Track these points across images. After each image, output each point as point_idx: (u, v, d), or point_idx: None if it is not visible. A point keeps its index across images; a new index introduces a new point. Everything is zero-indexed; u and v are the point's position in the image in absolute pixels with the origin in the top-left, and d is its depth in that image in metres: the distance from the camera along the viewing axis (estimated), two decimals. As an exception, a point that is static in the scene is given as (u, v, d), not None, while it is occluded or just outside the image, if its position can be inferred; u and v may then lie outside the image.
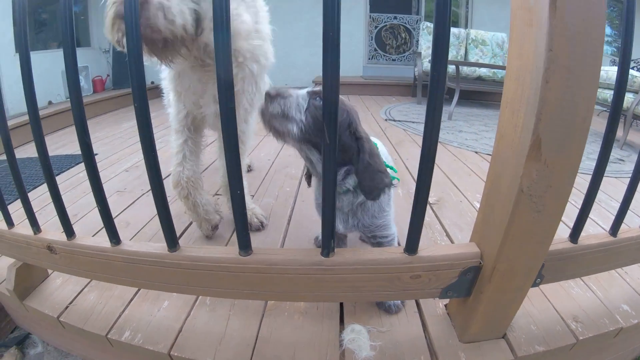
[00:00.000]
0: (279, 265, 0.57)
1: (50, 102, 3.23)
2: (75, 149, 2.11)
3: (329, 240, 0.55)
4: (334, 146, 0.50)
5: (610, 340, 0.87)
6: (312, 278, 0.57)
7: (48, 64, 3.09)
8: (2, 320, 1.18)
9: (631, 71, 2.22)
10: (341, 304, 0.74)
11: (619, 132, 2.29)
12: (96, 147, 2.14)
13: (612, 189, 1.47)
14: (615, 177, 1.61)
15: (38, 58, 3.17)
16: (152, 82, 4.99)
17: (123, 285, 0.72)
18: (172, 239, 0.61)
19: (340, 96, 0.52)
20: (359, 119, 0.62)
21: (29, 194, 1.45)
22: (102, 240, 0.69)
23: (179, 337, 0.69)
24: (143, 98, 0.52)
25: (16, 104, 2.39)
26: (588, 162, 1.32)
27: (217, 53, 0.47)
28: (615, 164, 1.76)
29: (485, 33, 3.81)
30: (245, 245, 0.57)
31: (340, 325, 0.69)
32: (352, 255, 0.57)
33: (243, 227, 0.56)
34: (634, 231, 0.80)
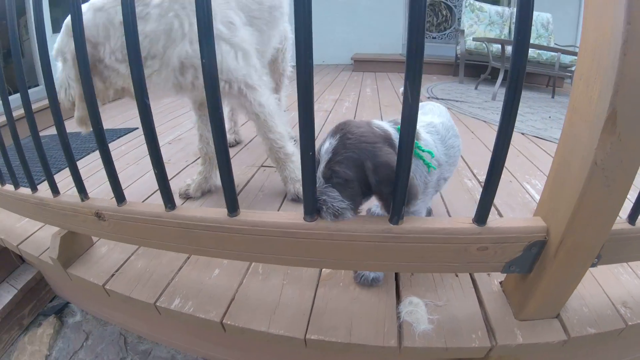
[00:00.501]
0: (346, 232, 0.56)
1: None
2: (115, 123, 2.14)
3: (400, 206, 0.54)
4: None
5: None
6: (379, 246, 0.57)
7: None
8: (41, 290, 1.20)
9: None
10: (396, 277, 0.73)
11: None
12: (137, 122, 2.14)
13: None
14: None
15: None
16: None
17: (175, 252, 0.72)
18: (233, 203, 0.60)
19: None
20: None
21: (65, 170, 1.47)
22: (156, 206, 0.68)
23: (231, 305, 0.69)
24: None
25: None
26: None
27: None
28: None
29: None
30: (311, 210, 0.57)
31: (396, 299, 0.68)
32: (421, 223, 0.56)
33: (311, 192, 0.55)
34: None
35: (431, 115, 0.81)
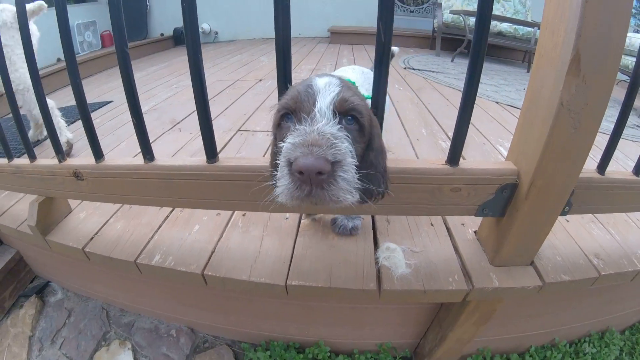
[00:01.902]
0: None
1: (58, 59, 3.21)
2: (89, 98, 2.13)
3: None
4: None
5: (623, 285, 0.91)
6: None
7: (54, 21, 3.07)
8: (21, 271, 1.18)
9: None
10: (374, 226, 0.75)
11: (637, 102, 2.34)
12: (111, 95, 2.20)
13: (629, 149, 1.52)
14: (633, 141, 1.68)
15: (44, 15, 3.08)
16: (162, 34, 4.89)
17: (156, 206, 0.72)
18: (212, 150, 0.61)
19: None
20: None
21: (45, 142, 1.45)
22: (134, 160, 0.69)
23: (212, 257, 0.70)
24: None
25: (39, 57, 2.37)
26: (605, 124, 1.36)
27: None
28: (632, 129, 1.83)
29: None
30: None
31: (374, 246, 0.71)
32: (395, 164, 0.58)
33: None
34: (656, 174, 0.83)
35: (343, 72, 0.82)
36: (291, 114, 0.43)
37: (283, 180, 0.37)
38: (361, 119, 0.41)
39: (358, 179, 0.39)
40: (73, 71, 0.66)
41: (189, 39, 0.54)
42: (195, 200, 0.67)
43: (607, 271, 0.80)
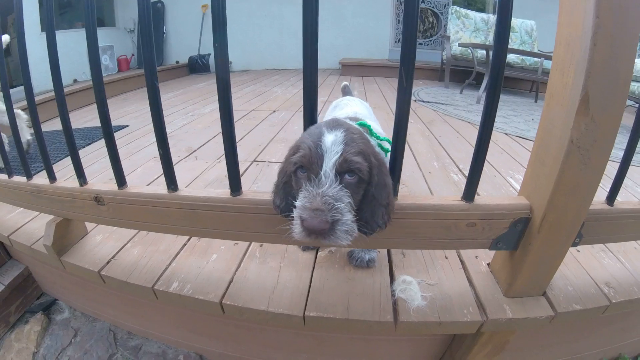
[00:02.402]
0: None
1: (75, 80, 3.32)
2: None
3: (396, 183, 0.59)
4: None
5: (635, 312, 0.92)
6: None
7: (73, 44, 3.22)
8: (28, 287, 1.19)
9: None
10: (389, 259, 0.77)
11: None
12: (127, 120, 2.27)
13: (638, 177, 1.55)
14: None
15: (63, 37, 3.29)
16: (177, 62, 5.09)
17: (176, 235, 0.75)
18: (236, 183, 0.64)
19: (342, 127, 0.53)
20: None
21: (61, 162, 1.48)
22: (158, 188, 0.72)
23: (230, 287, 0.72)
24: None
25: (41, 82, 2.44)
26: (615, 152, 1.40)
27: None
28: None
29: (514, 20, 3.82)
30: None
31: (390, 279, 0.73)
32: (414, 200, 0.61)
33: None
34: (664, 204, 0.86)
35: (351, 107, 0.88)
36: (304, 168, 0.50)
37: (297, 227, 0.48)
38: (359, 174, 0.49)
39: (359, 215, 0.50)
40: (101, 101, 0.69)
41: (220, 86, 0.57)
42: (217, 230, 0.69)
43: (617, 299, 0.82)
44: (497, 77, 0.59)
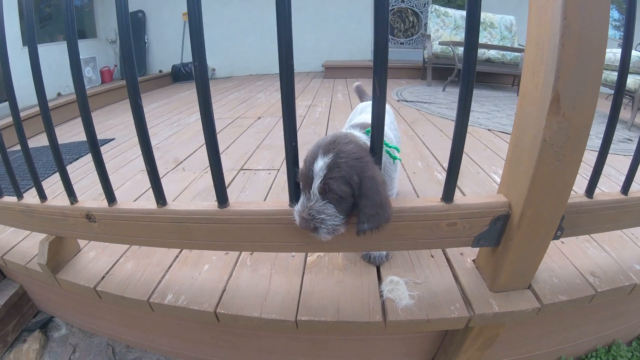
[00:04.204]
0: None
1: (59, 94, 3.35)
2: None
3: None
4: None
5: (624, 299, 0.97)
6: (358, 226, 0.65)
7: (55, 57, 3.23)
8: (24, 305, 1.23)
9: None
10: (377, 261, 0.82)
11: (627, 114, 2.47)
12: (112, 133, 2.30)
13: (621, 165, 1.60)
14: (624, 155, 1.76)
15: (45, 51, 3.30)
16: (160, 71, 5.14)
17: (166, 248, 0.78)
18: (223, 195, 0.68)
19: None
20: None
21: (50, 178, 1.51)
22: (147, 203, 0.76)
23: (223, 296, 0.76)
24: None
25: (25, 97, 2.46)
26: (597, 141, 1.45)
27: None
28: (624, 143, 1.91)
29: (493, 16, 3.98)
30: (296, 197, 0.65)
31: (377, 280, 0.77)
32: (395, 204, 0.65)
33: (293, 180, 0.64)
34: (644, 192, 0.91)
35: (368, 114, 0.95)
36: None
37: (295, 215, 0.64)
38: (339, 193, 0.61)
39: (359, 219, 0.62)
40: (87, 121, 0.72)
41: (200, 94, 0.61)
42: (206, 242, 0.73)
43: (603, 288, 0.87)
44: (467, 85, 0.64)
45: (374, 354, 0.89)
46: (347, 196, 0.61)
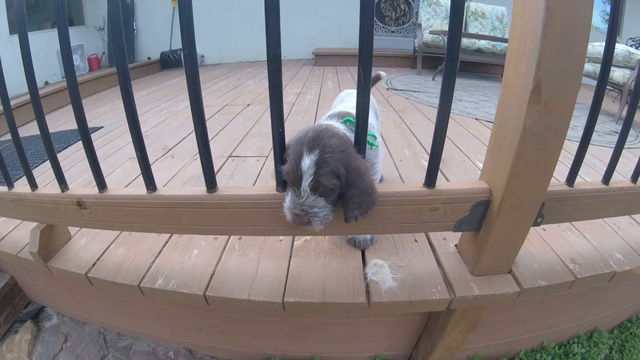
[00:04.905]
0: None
1: (46, 83, 3.33)
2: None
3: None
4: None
5: (605, 286, 1.02)
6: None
7: (43, 45, 3.21)
8: (15, 297, 1.25)
9: (629, 48, 2.43)
10: (363, 245, 0.85)
11: (615, 107, 2.52)
12: (101, 121, 2.30)
13: (605, 156, 1.65)
14: (610, 147, 1.81)
15: (32, 39, 3.20)
16: (149, 58, 5.11)
17: (157, 233, 0.81)
18: (212, 180, 0.71)
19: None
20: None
21: (37, 168, 1.53)
22: (137, 189, 0.78)
23: (212, 279, 0.79)
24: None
25: (13, 87, 2.45)
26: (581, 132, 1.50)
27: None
28: (610, 136, 1.97)
29: (485, 6, 4.03)
30: (283, 182, 0.68)
31: (362, 263, 0.81)
32: (380, 189, 0.68)
33: (280, 165, 0.67)
34: (624, 182, 0.95)
35: (348, 102, 1.00)
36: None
37: (287, 217, 0.66)
38: (330, 187, 0.64)
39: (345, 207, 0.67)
40: (78, 108, 0.74)
41: (189, 80, 0.63)
42: (196, 226, 0.76)
43: (583, 274, 0.91)
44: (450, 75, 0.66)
45: (360, 337, 0.93)
46: (336, 188, 0.65)
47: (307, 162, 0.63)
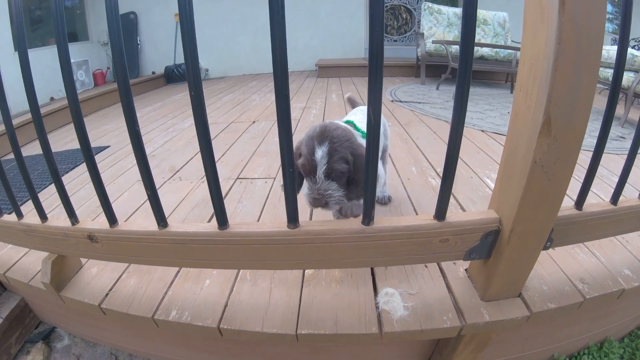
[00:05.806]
0: (325, 235, 0.70)
1: (52, 98, 3.35)
2: None
3: (371, 210, 0.68)
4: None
5: (614, 300, 1.04)
6: (355, 245, 0.71)
7: (47, 61, 3.22)
8: (26, 317, 1.28)
9: (632, 50, 2.42)
10: (372, 272, 0.88)
11: (620, 111, 2.52)
12: (107, 140, 2.31)
13: (614, 164, 1.66)
14: (616, 154, 1.81)
15: (37, 55, 3.27)
16: (153, 72, 5.15)
17: (168, 267, 0.84)
18: (223, 218, 0.73)
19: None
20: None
21: (45, 191, 1.55)
22: (149, 224, 0.80)
23: (225, 311, 0.82)
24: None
25: (18, 103, 2.46)
26: (590, 140, 1.51)
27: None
28: (617, 141, 1.97)
29: (486, 12, 4.02)
30: (293, 219, 0.70)
31: (373, 291, 0.83)
32: (389, 222, 0.70)
33: (292, 203, 0.69)
34: (633, 201, 0.97)
35: (357, 112, 1.16)
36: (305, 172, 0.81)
37: (306, 201, 0.80)
38: (342, 171, 0.77)
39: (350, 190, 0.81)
40: (86, 148, 0.76)
41: (195, 111, 0.65)
42: (207, 261, 0.78)
43: (592, 294, 0.93)
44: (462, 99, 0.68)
45: (371, 359, 0.96)
46: (346, 171, 0.78)
47: (320, 153, 0.76)
